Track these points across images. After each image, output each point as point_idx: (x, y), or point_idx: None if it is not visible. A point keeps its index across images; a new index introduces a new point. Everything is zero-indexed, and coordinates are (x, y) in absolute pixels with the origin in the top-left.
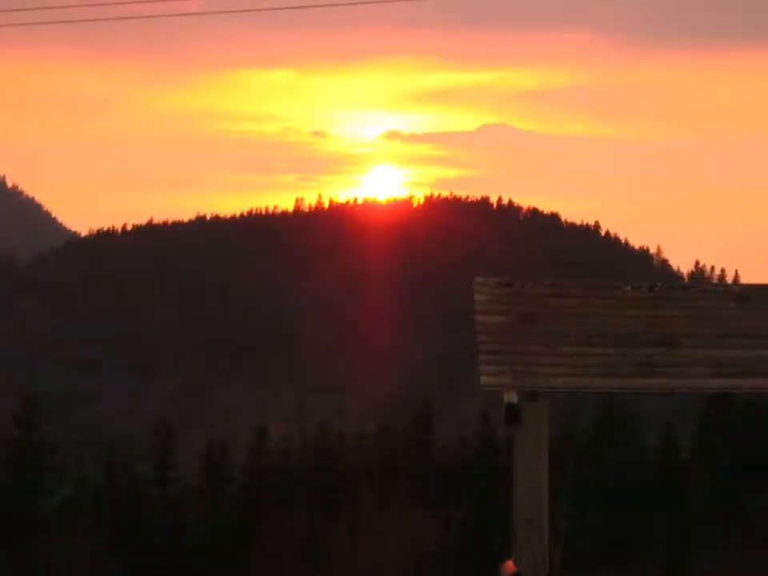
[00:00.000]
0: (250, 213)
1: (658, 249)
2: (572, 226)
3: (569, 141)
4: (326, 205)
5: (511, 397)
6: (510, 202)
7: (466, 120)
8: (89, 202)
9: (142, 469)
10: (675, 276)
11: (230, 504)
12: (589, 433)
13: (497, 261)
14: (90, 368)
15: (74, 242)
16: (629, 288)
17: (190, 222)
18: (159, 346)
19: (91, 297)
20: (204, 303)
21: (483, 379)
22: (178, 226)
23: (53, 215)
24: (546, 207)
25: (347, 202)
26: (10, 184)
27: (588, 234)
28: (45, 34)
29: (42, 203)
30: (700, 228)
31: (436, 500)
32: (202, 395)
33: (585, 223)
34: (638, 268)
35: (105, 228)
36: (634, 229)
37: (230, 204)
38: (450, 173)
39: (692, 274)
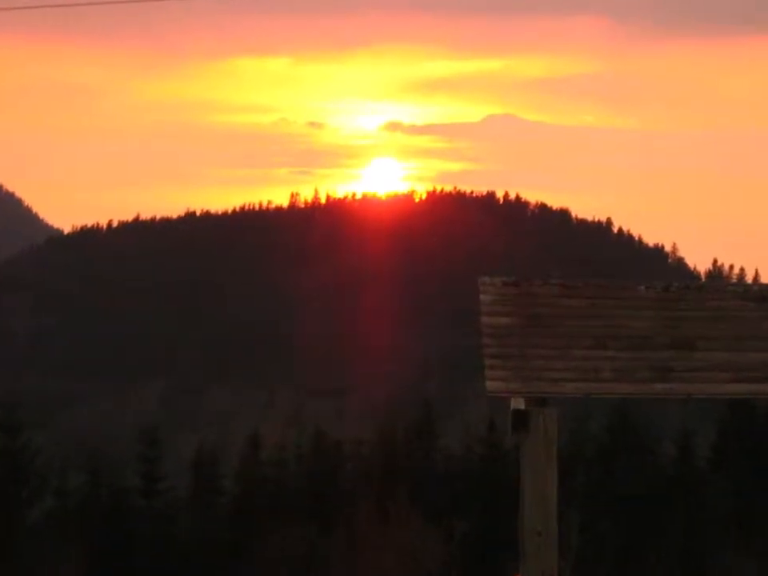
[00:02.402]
0: (242, 208)
1: (674, 246)
2: (583, 222)
3: (579, 132)
4: (323, 200)
5: (518, 403)
6: (517, 197)
7: (471, 110)
8: (72, 197)
9: (130, 477)
10: (692, 275)
11: (222, 515)
12: (600, 440)
13: (503, 259)
14: (76, 370)
15: (56, 239)
16: (643, 288)
17: (179, 219)
18: (148, 346)
19: (75, 296)
20: (194, 303)
21: (489, 384)
22: (166, 223)
23: (34, 211)
24: (555, 202)
25: (345, 197)
26: None
27: (600, 231)
28: (25, 19)
29: (23, 198)
30: (718, 225)
31: (439, 510)
32: (195, 398)
33: (596, 219)
34: (653, 267)
35: (89, 225)
36: (648, 225)
37: (222, 199)
38: (454, 166)
39: (709, 273)
